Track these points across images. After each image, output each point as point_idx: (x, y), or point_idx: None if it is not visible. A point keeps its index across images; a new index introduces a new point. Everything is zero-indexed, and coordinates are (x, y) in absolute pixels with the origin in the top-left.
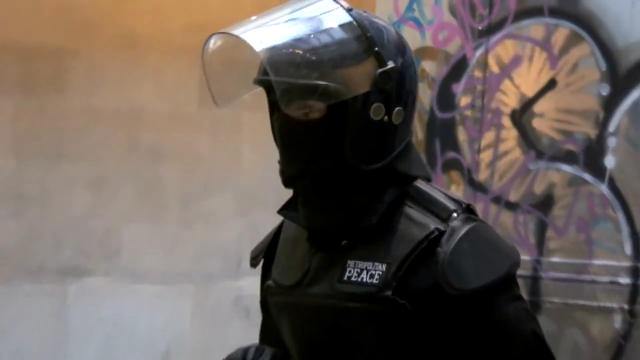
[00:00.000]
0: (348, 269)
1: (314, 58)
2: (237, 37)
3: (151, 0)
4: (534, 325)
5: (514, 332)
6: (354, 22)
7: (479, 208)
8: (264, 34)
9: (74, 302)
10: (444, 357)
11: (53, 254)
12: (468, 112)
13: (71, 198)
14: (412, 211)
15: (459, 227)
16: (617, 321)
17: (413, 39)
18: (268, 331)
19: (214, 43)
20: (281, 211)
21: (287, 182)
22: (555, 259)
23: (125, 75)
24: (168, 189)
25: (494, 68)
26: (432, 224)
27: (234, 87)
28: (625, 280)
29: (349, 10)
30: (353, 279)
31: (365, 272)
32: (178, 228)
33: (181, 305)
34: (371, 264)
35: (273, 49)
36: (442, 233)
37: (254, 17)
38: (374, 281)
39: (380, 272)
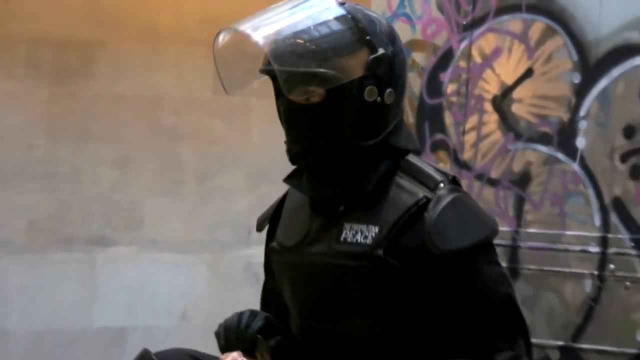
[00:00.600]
0: (345, 231)
1: (312, 48)
2: (242, 32)
3: None
4: (508, 288)
5: (489, 291)
6: (348, 15)
7: (464, 184)
8: (267, 29)
9: (101, 269)
10: (428, 310)
11: (82, 226)
12: (454, 99)
13: (99, 175)
14: (403, 181)
15: (445, 195)
16: (588, 286)
17: (404, 32)
18: (269, 294)
19: (222, 38)
20: (287, 180)
21: (293, 159)
22: (532, 230)
23: (147, 64)
24: (186, 167)
25: (477, 59)
26: (421, 192)
27: (242, 77)
28: (594, 249)
29: (341, 4)
30: (349, 239)
31: (359, 233)
32: (195, 202)
33: (197, 272)
34: (365, 226)
35: (275, 42)
36: (429, 200)
37: (258, 13)
38: (368, 241)
39: (373, 234)
